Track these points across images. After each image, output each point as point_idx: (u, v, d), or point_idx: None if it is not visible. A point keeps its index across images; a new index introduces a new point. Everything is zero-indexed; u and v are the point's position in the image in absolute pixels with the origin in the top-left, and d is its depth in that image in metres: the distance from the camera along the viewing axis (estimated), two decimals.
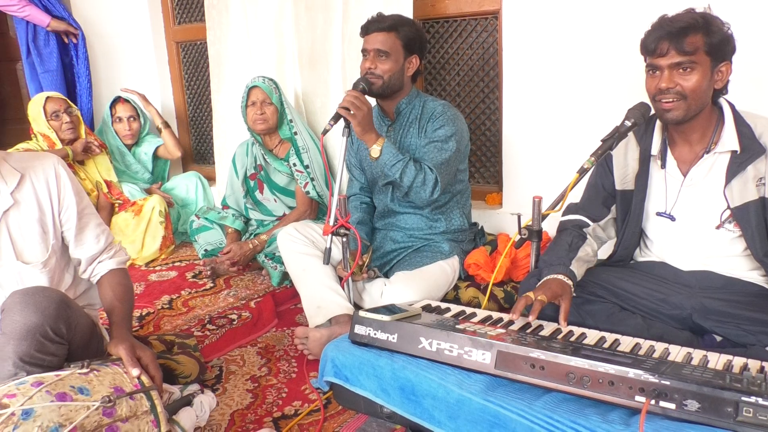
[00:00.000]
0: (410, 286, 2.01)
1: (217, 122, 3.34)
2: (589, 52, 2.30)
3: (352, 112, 1.95)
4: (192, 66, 3.75)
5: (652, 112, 1.65)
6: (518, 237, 1.82)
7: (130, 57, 3.80)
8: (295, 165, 2.75)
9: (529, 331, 1.53)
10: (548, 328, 1.55)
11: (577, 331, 1.53)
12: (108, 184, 3.18)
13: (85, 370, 1.30)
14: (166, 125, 3.40)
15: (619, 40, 2.21)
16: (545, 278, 1.63)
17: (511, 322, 1.62)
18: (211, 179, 3.64)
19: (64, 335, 1.35)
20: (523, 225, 1.79)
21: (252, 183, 2.93)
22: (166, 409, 1.43)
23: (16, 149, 2.98)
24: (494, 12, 2.60)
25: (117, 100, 3.34)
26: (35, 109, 3.05)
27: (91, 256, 1.61)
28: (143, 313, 2.34)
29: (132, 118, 3.32)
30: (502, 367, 1.35)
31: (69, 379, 1.26)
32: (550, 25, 2.36)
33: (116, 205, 3.16)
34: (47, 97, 3.06)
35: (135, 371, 1.35)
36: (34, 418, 1.14)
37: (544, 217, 1.79)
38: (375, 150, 2.04)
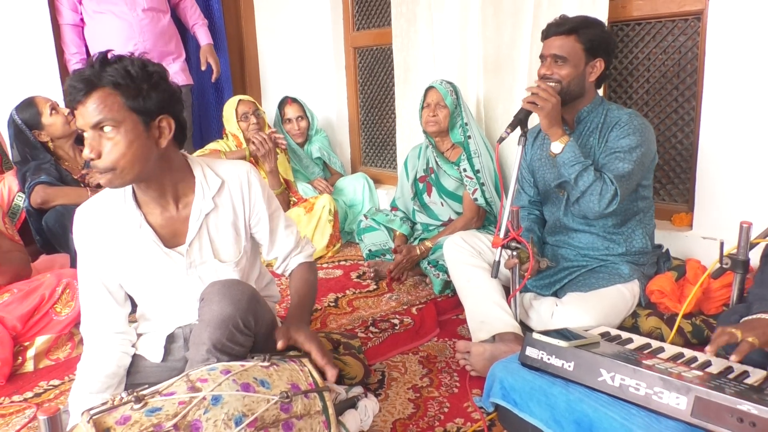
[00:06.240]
0: (585, 309, 1.87)
1: (401, 127, 3.40)
2: None
3: (539, 105, 1.87)
4: (366, 71, 3.87)
5: None
6: (718, 266, 1.62)
7: (307, 61, 4.03)
8: (465, 170, 2.71)
9: (731, 376, 1.34)
10: (755, 375, 1.34)
11: None
12: (286, 182, 3.39)
13: (266, 364, 1.36)
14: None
15: None
16: (755, 316, 1.41)
17: (708, 363, 1.43)
18: (377, 181, 3.73)
19: (252, 328, 1.43)
20: (725, 253, 1.59)
21: (421, 186, 2.95)
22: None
23: (208, 148, 3.28)
24: (697, 13, 2.34)
25: (285, 101, 3.56)
26: (229, 110, 3.33)
27: (285, 254, 1.73)
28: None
29: (300, 118, 3.54)
30: (700, 415, 1.19)
31: (252, 371, 1.32)
32: (765, 26, 2.07)
33: (291, 202, 3.36)
34: (239, 100, 3.34)
35: (332, 374, 1.40)
36: (222, 405, 1.21)
37: (752, 245, 1.57)
38: (557, 146, 1.92)
